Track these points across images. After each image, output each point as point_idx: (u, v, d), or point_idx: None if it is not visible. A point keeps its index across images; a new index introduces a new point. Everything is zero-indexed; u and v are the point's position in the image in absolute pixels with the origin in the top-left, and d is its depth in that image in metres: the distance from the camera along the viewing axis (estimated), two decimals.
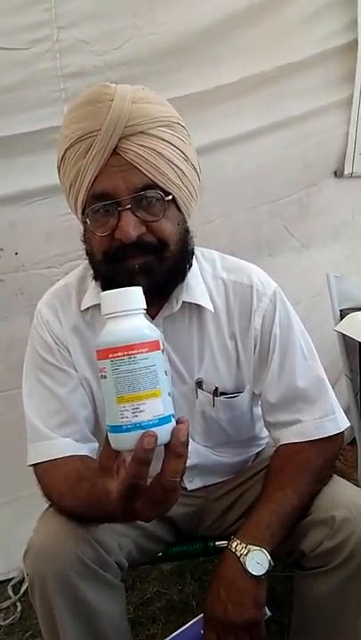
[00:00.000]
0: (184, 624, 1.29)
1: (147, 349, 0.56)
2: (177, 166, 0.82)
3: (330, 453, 0.92)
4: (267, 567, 0.81)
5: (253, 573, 0.81)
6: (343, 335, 1.30)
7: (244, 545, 0.83)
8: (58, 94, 1.28)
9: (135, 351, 0.56)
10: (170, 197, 0.83)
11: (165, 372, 0.59)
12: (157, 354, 0.57)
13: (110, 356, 0.56)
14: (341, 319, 1.31)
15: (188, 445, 0.60)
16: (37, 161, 1.30)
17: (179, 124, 0.84)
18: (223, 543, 1.07)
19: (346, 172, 1.54)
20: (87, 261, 0.92)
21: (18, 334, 1.40)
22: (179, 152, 0.83)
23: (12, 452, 1.37)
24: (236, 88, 1.37)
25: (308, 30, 1.41)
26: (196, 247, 0.95)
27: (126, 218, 0.79)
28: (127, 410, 0.56)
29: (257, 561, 0.81)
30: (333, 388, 1.42)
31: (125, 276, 0.82)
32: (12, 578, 1.50)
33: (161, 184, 0.81)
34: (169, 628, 1.31)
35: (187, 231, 0.90)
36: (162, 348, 0.59)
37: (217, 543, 1.07)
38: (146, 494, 0.61)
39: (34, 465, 0.90)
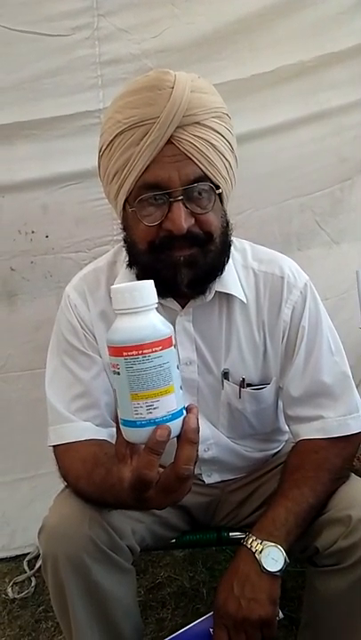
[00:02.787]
0: (193, 610, 1.32)
1: (160, 347, 0.57)
2: (226, 159, 0.83)
3: (349, 452, 0.92)
4: (282, 564, 0.81)
5: (269, 569, 0.81)
6: None
7: (260, 541, 0.82)
8: (95, 80, 1.29)
9: (149, 350, 0.56)
10: (220, 191, 0.83)
11: (177, 366, 0.59)
12: (170, 350, 0.58)
13: (124, 354, 0.57)
14: None
15: (198, 431, 0.60)
16: (71, 145, 1.32)
17: (227, 114, 0.84)
18: (237, 534, 1.08)
19: None
20: (117, 247, 0.92)
21: (46, 315, 1.42)
22: (228, 144, 0.83)
23: (35, 429, 1.41)
24: (273, 77, 1.35)
25: (348, 21, 1.38)
26: None
27: (178, 209, 0.79)
28: (141, 407, 0.57)
29: (273, 557, 0.81)
30: (358, 386, 1.42)
31: (169, 267, 0.82)
32: (28, 553, 1.54)
33: (212, 176, 0.81)
34: (178, 613, 1.33)
35: (227, 223, 0.90)
36: (174, 342, 0.59)
37: (231, 534, 1.08)
38: (159, 483, 0.62)
39: (54, 446, 0.91)
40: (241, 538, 1.07)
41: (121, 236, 1.36)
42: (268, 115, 1.34)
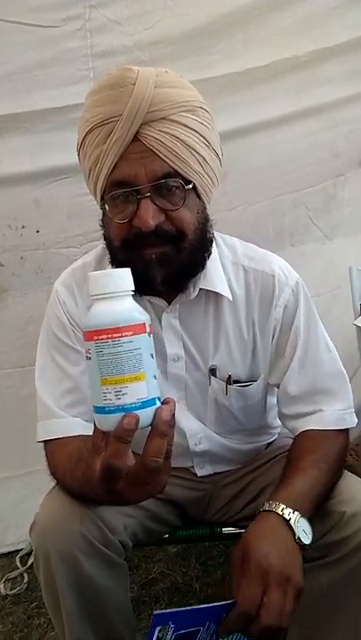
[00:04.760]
0: (187, 605, 1.32)
1: (132, 332, 0.56)
2: (198, 153, 0.81)
3: (343, 446, 0.92)
4: (310, 538, 0.77)
5: (303, 541, 0.76)
6: None
7: (292, 510, 0.78)
8: (86, 73, 1.27)
9: (119, 334, 0.56)
10: (190, 186, 0.81)
11: (152, 355, 0.58)
12: (143, 337, 0.57)
13: (95, 338, 0.56)
14: None
15: (172, 426, 0.59)
16: (63, 138, 1.30)
17: (202, 107, 0.82)
18: (230, 530, 1.08)
19: None
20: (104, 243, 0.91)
21: (36, 311, 1.40)
22: (201, 138, 0.81)
23: (26, 426, 1.40)
24: (268, 71, 1.34)
25: (342, 15, 1.37)
26: (216, 233, 0.94)
27: (145, 206, 0.78)
28: (110, 392, 0.56)
29: (303, 529, 0.77)
30: (351, 380, 1.42)
31: (142, 265, 0.81)
32: (21, 549, 1.53)
33: (182, 172, 0.80)
34: (171, 608, 1.33)
35: (206, 219, 0.88)
36: (148, 330, 0.58)
37: (223, 530, 1.08)
38: (129, 474, 0.60)
39: (44, 442, 0.91)
40: (234, 533, 1.09)
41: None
42: (262, 109, 1.33)
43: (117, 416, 0.56)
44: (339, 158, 1.48)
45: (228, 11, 1.29)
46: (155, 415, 0.57)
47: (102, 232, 0.90)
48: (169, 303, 0.92)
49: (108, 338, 0.56)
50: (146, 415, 0.57)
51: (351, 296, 1.32)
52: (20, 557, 1.52)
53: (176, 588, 1.40)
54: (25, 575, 1.47)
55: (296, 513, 0.77)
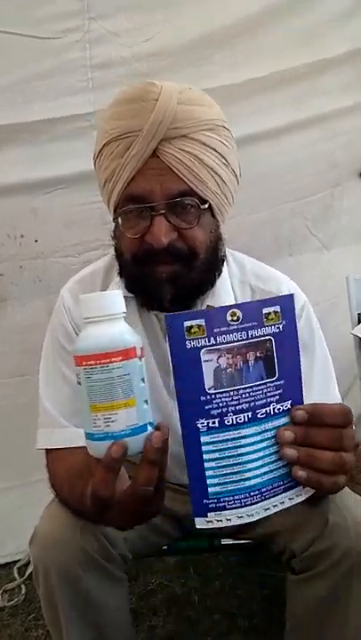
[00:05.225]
0: (185, 617, 1.31)
1: (120, 358, 0.54)
2: (217, 173, 0.80)
3: None
4: None
5: None
6: (360, 339, 1.28)
7: None
8: (85, 83, 1.28)
9: (108, 360, 0.54)
10: (206, 206, 0.80)
11: (143, 380, 0.56)
12: (133, 362, 0.55)
13: (84, 363, 0.54)
14: (359, 322, 1.29)
15: (165, 453, 0.56)
16: (62, 148, 1.31)
17: (223, 126, 0.81)
18: (228, 541, 1.08)
19: None
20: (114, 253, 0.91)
21: (35, 320, 1.41)
22: (220, 158, 0.80)
23: (25, 436, 1.39)
24: (266, 83, 1.35)
25: (341, 27, 1.38)
26: (227, 249, 0.93)
27: (159, 223, 0.77)
28: (99, 419, 0.55)
29: None
30: (348, 392, 1.43)
31: (152, 282, 0.81)
32: (19, 560, 1.52)
33: (198, 191, 0.79)
34: (170, 620, 1.32)
35: (219, 238, 0.87)
36: (140, 354, 0.56)
37: (222, 541, 1.08)
38: (119, 503, 0.59)
39: (45, 450, 0.90)
40: (233, 545, 1.08)
41: (111, 241, 1.38)
42: (261, 120, 1.34)
43: (106, 443, 0.55)
44: (337, 168, 1.49)
45: (226, 23, 1.30)
46: (145, 442, 0.56)
47: (114, 243, 0.89)
48: None
49: (97, 364, 0.54)
50: (136, 442, 0.55)
51: (349, 305, 1.32)
52: (18, 568, 1.50)
53: (174, 599, 1.39)
54: (23, 587, 1.45)
55: None
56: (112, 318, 0.56)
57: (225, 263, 0.91)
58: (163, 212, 0.78)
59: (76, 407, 0.88)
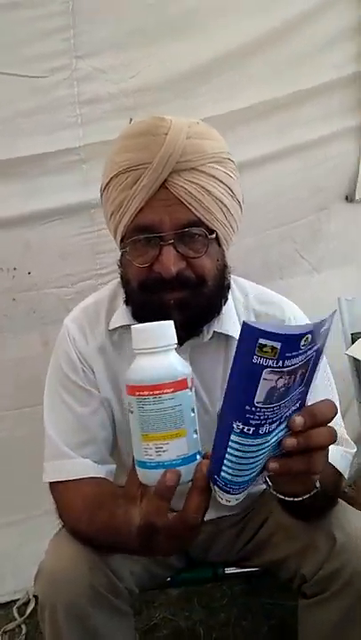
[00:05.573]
0: None
1: (172, 389, 0.56)
2: (223, 204, 0.82)
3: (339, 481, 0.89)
4: None
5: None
6: (355, 359, 1.29)
7: None
8: (74, 119, 1.31)
9: (160, 391, 0.56)
10: (213, 235, 0.82)
11: (193, 410, 0.58)
12: (184, 393, 0.57)
13: (137, 394, 0.56)
14: (353, 343, 1.30)
15: None
16: (53, 182, 1.33)
17: (229, 159, 0.84)
18: (232, 570, 1.06)
19: (357, 197, 1.55)
20: (119, 281, 0.92)
21: (29, 353, 1.41)
22: (226, 189, 0.82)
23: (22, 470, 1.38)
24: (249, 113, 1.39)
25: (322, 58, 1.43)
26: (231, 276, 0.94)
27: (168, 253, 0.79)
28: (151, 448, 0.57)
29: None
30: (345, 414, 1.42)
31: (160, 309, 0.82)
32: (18, 599, 1.48)
33: (206, 221, 0.81)
34: None
35: (225, 266, 0.89)
36: (190, 385, 0.58)
37: (226, 570, 1.06)
38: (166, 529, 0.60)
39: (50, 483, 0.89)
40: (236, 573, 1.07)
41: (103, 271, 1.39)
42: (245, 149, 1.37)
43: (158, 472, 0.57)
44: (321, 193, 1.53)
45: (210, 56, 1.34)
46: (195, 469, 0.57)
47: (119, 272, 0.90)
48: (181, 344, 0.91)
49: (150, 394, 0.56)
50: (187, 471, 0.57)
51: (342, 326, 1.33)
52: (18, 608, 1.47)
53: (179, 633, 1.36)
54: (23, 626, 1.41)
55: None
56: (164, 349, 0.58)
57: (230, 290, 0.93)
58: (172, 241, 0.79)
59: (83, 438, 0.90)
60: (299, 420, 0.56)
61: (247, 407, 0.52)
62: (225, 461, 0.55)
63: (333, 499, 0.88)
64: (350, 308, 1.33)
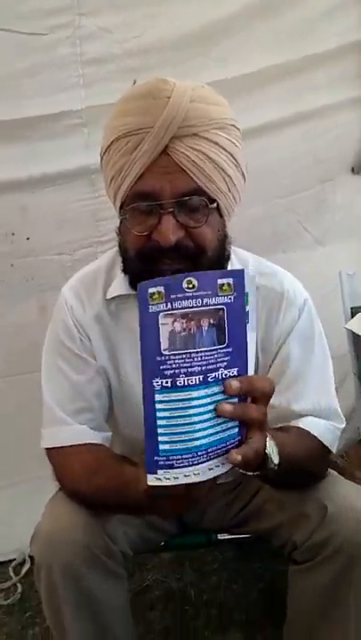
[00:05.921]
0: (182, 612, 1.32)
1: None
2: (226, 172, 0.80)
3: (324, 455, 0.90)
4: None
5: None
6: (353, 333, 1.29)
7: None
8: (76, 80, 1.27)
9: None
10: (214, 205, 0.80)
11: None
12: None
13: None
14: (352, 317, 1.30)
15: None
16: (53, 146, 1.30)
17: (234, 125, 0.81)
18: (225, 536, 1.09)
19: None
20: (118, 249, 0.91)
21: (26, 319, 1.40)
22: (230, 157, 0.80)
23: (15, 435, 1.40)
24: (256, 78, 1.35)
25: (330, 22, 1.38)
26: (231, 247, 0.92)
27: (167, 222, 0.77)
28: None
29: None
30: (340, 386, 1.43)
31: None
32: (14, 559, 1.52)
33: (207, 190, 0.79)
34: (167, 615, 1.33)
35: (225, 236, 0.87)
36: None
37: (219, 536, 1.09)
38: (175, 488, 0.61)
39: (47, 448, 0.90)
40: (229, 539, 1.09)
41: (104, 238, 1.37)
42: (252, 116, 1.33)
43: None
44: (327, 164, 1.50)
45: (217, 18, 1.30)
46: None
47: (117, 239, 0.89)
48: None
49: None
50: None
51: (342, 300, 1.33)
52: (13, 567, 1.50)
53: (171, 594, 1.39)
54: (19, 585, 1.45)
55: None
56: None
57: (229, 262, 0.91)
58: (171, 210, 0.78)
59: (79, 405, 0.90)
60: (235, 383, 0.58)
61: (158, 358, 0.56)
62: (158, 430, 0.57)
63: (318, 472, 0.89)
64: (351, 283, 1.33)
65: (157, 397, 0.57)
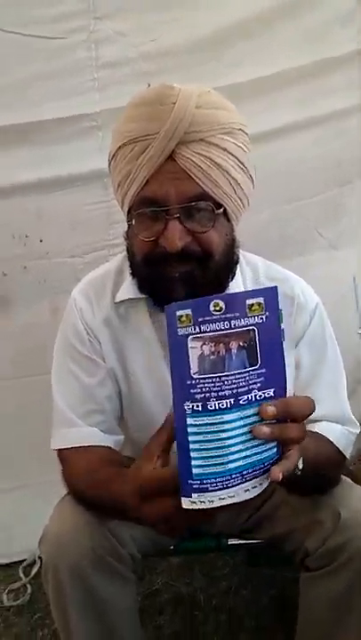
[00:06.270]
0: (191, 617, 1.31)
1: None
2: (233, 177, 0.80)
3: (340, 460, 0.90)
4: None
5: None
6: None
7: None
8: (92, 83, 1.28)
9: None
10: (221, 210, 0.80)
11: None
12: None
13: None
14: None
15: None
16: (68, 149, 1.31)
17: (241, 130, 0.81)
18: (235, 541, 1.08)
19: None
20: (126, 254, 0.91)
21: (38, 321, 1.41)
22: (237, 162, 0.80)
23: (31, 436, 1.40)
24: (273, 82, 1.35)
25: (347, 26, 1.38)
26: (240, 251, 0.92)
27: (173, 227, 0.77)
28: None
29: None
30: (353, 392, 1.42)
31: (164, 282, 0.81)
32: (24, 560, 1.52)
33: (214, 195, 0.79)
34: (176, 620, 1.32)
35: (233, 241, 0.87)
36: None
37: (229, 541, 1.08)
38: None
39: (58, 450, 0.90)
40: (239, 544, 1.08)
41: (116, 241, 1.38)
42: (267, 118, 1.34)
43: None
44: (343, 167, 1.49)
45: (233, 21, 1.30)
46: None
47: (126, 244, 0.89)
48: None
49: None
50: None
51: (356, 305, 1.32)
52: (24, 568, 1.51)
53: (180, 599, 1.39)
54: (28, 586, 1.45)
55: None
56: None
57: (238, 265, 0.91)
58: (177, 215, 0.77)
59: (89, 407, 0.90)
60: (271, 408, 0.56)
61: (188, 382, 0.55)
62: (192, 454, 0.56)
63: (334, 477, 0.88)
64: None
65: (189, 421, 0.56)
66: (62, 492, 0.90)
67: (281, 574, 1.35)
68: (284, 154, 1.41)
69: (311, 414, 0.62)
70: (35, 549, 1.49)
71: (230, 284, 0.89)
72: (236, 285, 0.91)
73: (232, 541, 1.08)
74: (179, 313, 0.56)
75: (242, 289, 0.92)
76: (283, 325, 0.58)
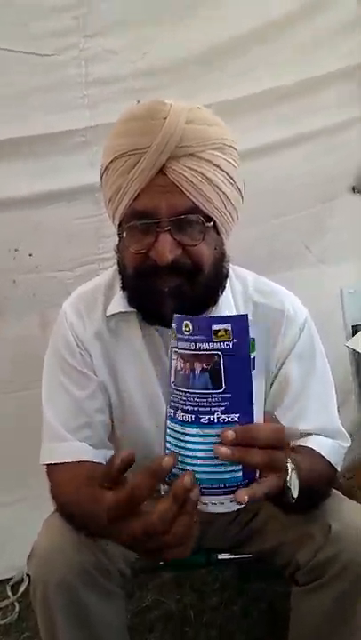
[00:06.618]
0: (182, 634, 1.30)
1: None
2: (222, 191, 0.81)
3: (331, 475, 0.90)
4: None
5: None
6: (354, 351, 1.29)
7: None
8: (81, 100, 1.29)
9: None
10: (211, 223, 0.81)
11: None
12: None
13: None
14: (354, 335, 1.31)
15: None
16: (58, 164, 1.32)
17: (231, 146, 0.82)
18: (225, 556, 1.07)
19: None
20: (117, 267, 0.91)
21: (28, 333, 1.41)
22: (226, 176, 0.81)
23: (18, 451, 1.39)
24: (260, 100, 1.37)
25: (335, 44, 1.41)
26: (230, 265, 0.93)
27: (164, 240, 0.78)
28: None
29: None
30: (342, 405, 1.43)
31: (154, 296, 0.82)
32: (12, 577, 1.50)
33: (204, 209, 0.80)
34: (167, 636, 1.31)
35: (223, 254, 0.88)
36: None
37: (219, 556, 1.07)
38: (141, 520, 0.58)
39: (47, 465, 0.89)
40: (229, 559, 1.08)
41: (106, 255, 1.38)
42: (254, 136, 1.36)
43: None
44: (328, 184, 1.51)
45: (220, 41, 1.32)
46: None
47: (117, 257, 0.90)
48: None
49: None
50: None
51: (343, 318, 1.33)
52: (11, 586, 1.48)
53: (170, 615, 1.37)
54: (16, 604, 1.43)
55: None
56: None
57: (228, 279, 0.92)
58: (168, 228, 0.78)
59: (79, 422, 0.90)
60: (230, 433, 0.57)
61: (169, 389, 0.60)
62: (166, 450, 0.59)
63: (326, 492, 0.88)
64: (352, 301, 1.33)
65: (167, 423, 0.60)
66: (51, 508, 0.90)
67: (271, 589, 1.34)
68: (272, 170, 1.43)
69: (281, 442, 0.61)
70: (23, 566, 1.47)
71: (220, 298, 0.89)
72: (226, 299, 0.92)
73: (222, 556, 1.08)
74: (172, 325, 0.59)
75: (231, 303, 0.93)
76: (253, 354, 0.57)
